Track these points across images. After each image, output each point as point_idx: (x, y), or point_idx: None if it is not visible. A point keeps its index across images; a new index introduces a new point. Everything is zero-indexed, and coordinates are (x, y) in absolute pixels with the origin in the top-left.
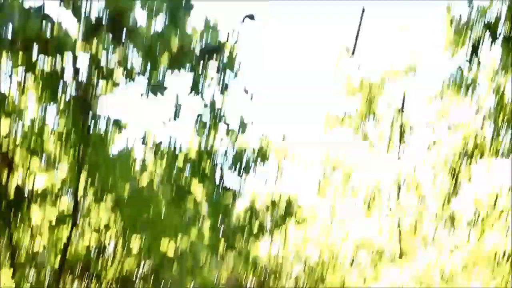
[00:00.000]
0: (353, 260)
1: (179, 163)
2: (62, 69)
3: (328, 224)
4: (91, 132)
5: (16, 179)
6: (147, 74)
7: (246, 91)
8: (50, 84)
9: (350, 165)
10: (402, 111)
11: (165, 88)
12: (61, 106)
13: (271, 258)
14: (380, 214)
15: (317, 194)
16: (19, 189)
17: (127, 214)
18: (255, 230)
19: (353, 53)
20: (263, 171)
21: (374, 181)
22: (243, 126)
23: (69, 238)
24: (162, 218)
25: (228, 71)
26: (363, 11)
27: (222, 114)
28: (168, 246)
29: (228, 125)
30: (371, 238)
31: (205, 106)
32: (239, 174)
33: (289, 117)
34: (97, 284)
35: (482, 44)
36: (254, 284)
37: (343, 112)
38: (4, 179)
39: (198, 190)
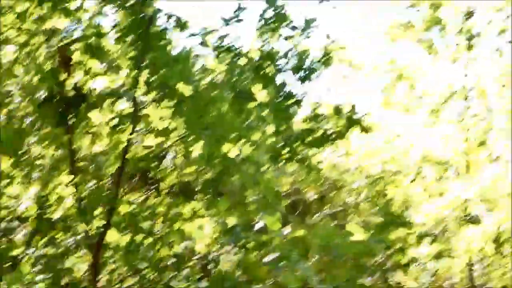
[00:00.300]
0: (417, 174)
1: (241, 65)
2: None
3: (392, 135)
4: (150, 31)
5: (75, 80)
6: None
7: None
8: None
9: (415, 75)
10: (469, 18)
11: None
12: (120, 4)
13: (333, 168)
14: (445, 127)
15: (382, 104)
16: (78, 90)
17: (188, 117)
18: (317, 139)
19: None
20: (327, 78)
21: (439, 92)
22: (307, 27)
23: (128, 141)
24: (223, 121)
25: None
26: None
27: (285, 15)
28: (229, 151)
29: (292, 26)
30: (436, 151)
31: (268, 5)
32: (302, 79)
33: (353, 24)
34: (156, 192)
35: None
36: (315, 195)
37: (407, 20)
38: (63, 79)
39: (259, 94)
